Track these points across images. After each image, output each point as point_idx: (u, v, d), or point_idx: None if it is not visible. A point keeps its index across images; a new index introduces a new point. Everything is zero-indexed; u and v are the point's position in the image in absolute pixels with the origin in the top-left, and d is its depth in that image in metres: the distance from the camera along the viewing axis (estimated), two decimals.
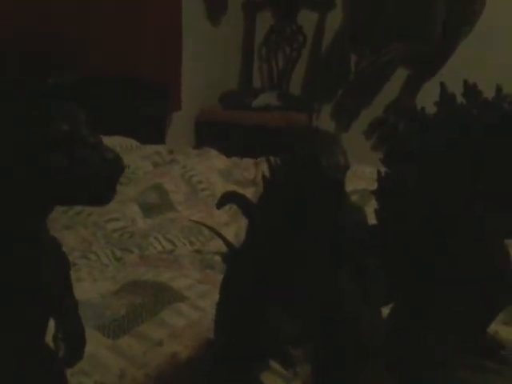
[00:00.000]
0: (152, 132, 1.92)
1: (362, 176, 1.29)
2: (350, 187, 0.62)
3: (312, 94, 2.81)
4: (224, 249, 0.66)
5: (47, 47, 1.64)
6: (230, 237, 0.93)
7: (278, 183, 0.56)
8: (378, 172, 0.69)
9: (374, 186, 0.67)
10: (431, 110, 0.64)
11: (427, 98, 0.65)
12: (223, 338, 0.56)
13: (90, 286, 0.82)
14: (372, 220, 0.65)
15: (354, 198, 0.63)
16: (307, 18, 2.78)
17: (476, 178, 0.58)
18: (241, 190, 1.10)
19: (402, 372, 0.63)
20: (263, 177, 0.60)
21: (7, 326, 0.41)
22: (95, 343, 0.66)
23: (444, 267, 0.59)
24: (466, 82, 0.60)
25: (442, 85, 0.62)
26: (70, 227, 0.99)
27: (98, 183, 0.37)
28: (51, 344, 0.47)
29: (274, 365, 0.63)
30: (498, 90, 0.59)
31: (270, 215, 0.56)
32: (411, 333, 0.62)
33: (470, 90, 0.60)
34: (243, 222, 0.91)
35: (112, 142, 1.45)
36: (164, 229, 1.05)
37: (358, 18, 2.70)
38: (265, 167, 0.64)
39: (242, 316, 0.55)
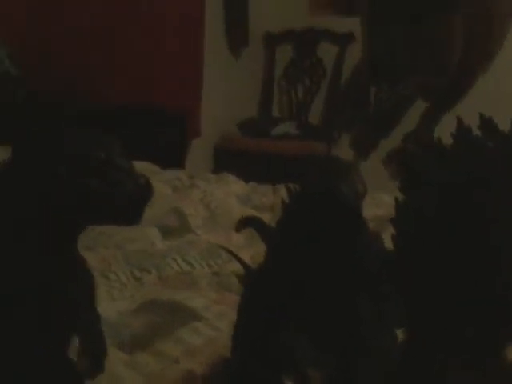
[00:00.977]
0: (171, 158, 1.96)
1: (381, 204, 1.30)
2: (368, 214, 0.64)
3: (331, 123, 2.84)
4: (241, 271, 0.68)
5: (67, 75, 1.71)
6: (247, 260, 0.94)
7: (296, 208, 0.58)
8: (396, 199, 0.71)
9: (392, 213, 0.68)
10: (449, 141, 0.66)
11: (446, 131, 0.67)
12: (240, 357, 0.58)
13: (108, 305, 0.84)
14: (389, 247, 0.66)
15: (371, 225, 0.65)
16: (327, 51, 2.84)
17: (493, 206, 0.60)
18: (258, 215, 1.12)
19: None
20: (282, 202, 0.62)
21: (32, 338, 0.43)
22: (113, 359, 0.67)
23: (458, 293, 0.60)
24: (481, 116, 0.62)
25: (458, 118, 0.64)
26: (91, 248, 1.02)
27: (131, 205, 0.41)
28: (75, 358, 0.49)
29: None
30: None
31: (288, 240, 0.58)
32: (422, 359, 0.63)
33: (486, 123, 0.62)
34: (260, 246, 0.93)
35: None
36: (182, 250, 1.07)
37: (377, 52, 2.75)
38: (283, 193, 0.66)
39: (259, 337, 0.56)
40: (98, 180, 0.40)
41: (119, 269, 0.97)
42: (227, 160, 2.53)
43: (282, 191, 1.41)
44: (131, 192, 0.41)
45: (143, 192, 0.42)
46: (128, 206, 0.42)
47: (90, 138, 0.42)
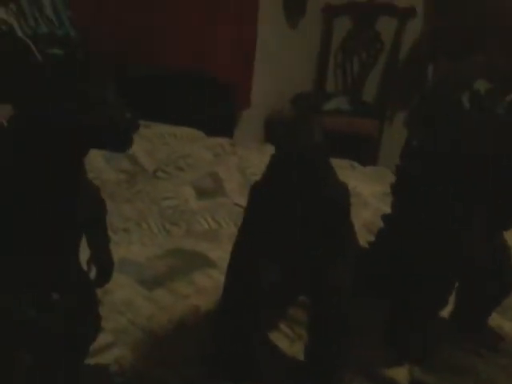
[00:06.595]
0: (220, 127, 2.03)
1: None
2: None
3: (385, 100, 2.82)
4: None
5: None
6: None
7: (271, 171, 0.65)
8: (396, 166, 0.76)
9: None
10: None
11: None
12: (226, 292, 0.66)
13: (139, 250, 0.94)
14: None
15: None
16: (386, 25, 2.80)
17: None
18: None
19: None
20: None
21: (43, 248, 0.52)
22: (133, 292, 0.78)
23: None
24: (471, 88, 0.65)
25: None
26: (130, 201, 1.13)
27: (119, 133, 0.50)
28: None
29: (282, 326, 0.72)
30: None
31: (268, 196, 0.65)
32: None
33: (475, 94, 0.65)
34: None
35: (179, 131, 1.59)
36: (213, 210, 1.16)
37: (439, 29, 2.68)
38: None
39: (238, 271, 0.64)
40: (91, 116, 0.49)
41: (152, 220, 1.07)
42: None
43: None
44: (119, 123, 0.50)
45: (129, 123, 0.51)
46: (117, 134, 0.50)
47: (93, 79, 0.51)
